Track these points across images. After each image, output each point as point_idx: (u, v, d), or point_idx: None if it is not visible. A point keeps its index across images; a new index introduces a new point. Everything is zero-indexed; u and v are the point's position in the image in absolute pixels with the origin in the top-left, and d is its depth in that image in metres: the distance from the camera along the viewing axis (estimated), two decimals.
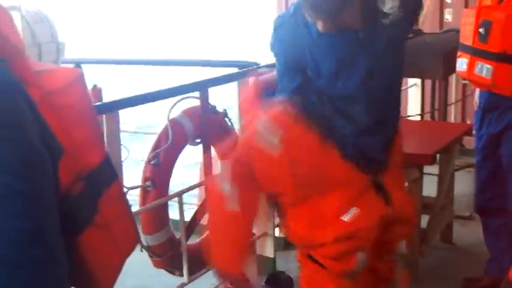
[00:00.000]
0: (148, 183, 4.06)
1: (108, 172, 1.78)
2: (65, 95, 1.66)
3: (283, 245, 4.88)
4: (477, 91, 4.44)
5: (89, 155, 1.70)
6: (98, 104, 3.67)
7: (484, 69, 3.96)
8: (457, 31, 4.61)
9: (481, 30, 3.97)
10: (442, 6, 7.83)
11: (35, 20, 2.18)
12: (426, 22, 7.59)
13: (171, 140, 3.99)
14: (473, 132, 4.57)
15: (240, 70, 4.49)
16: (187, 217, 4.26)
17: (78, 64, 5.53)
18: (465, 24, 4.19)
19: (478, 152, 4.36)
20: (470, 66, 4.05)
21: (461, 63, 4.15)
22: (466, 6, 7.17)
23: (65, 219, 1.46)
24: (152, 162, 4.03)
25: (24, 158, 1.29)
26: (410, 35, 6.54)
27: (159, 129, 4.26)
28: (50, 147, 1.42)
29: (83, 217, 1.67)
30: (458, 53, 4.20)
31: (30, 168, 1.29)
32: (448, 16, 7.78)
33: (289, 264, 4.57)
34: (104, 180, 1.75)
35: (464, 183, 5.64)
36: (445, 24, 7.69)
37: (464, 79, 4.49)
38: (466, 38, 4.12)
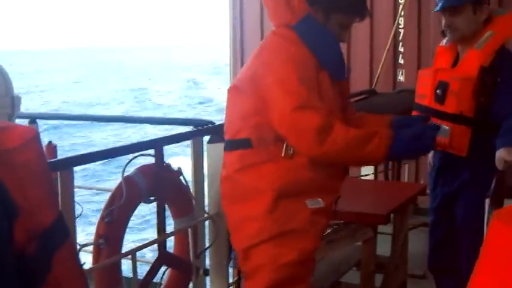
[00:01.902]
0: (101, 240, 4.01)
1: (61, 231, 1.77)
2: (21, 153, 1.66)
3: None
4: (430, 152, 4.51)
5: (43, 213, 1.69)
6: (52, 160, 3.65)
7: (442, 129, 4.03)
8: (410, 91, 4.69)
9: (438, 91, 4.05)
10: (395, 66, 7.97)
11: None
12: (379, 83, 7.73)
13: (125, 198, 3.96)
14: (428, 191, 4.62)
15: (195, 129, 4.50)
16: (141, 275, 4.21)
17: (33, 119, 5.52)
18: (422, 85, 4.27)
19: (432, 211, 4.42)
20: None
21: None
22: (419, 67, 7.31)
23: (20, 278, 1.45)
24: (106, 220, 3.99)
25: None
26: (364, 95, 6.68)
27: (113, 186, 4.23)
28: (6, 207, 1.41)
29: (37, 276, 1.65)
30: (413, 113, 4.27)
31: None
32: (400, 77, 7.92)
33: None
34: (57, 239, 1.74)
35: (418, 242, 5.67)
36: (398, 85, 7.82)
37: None
38: (423, 98, 4.20)
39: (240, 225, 3.34)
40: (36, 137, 1.74)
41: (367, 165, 2.94)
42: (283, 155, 3.16)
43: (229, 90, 3.38)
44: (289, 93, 3.07)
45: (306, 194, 3.22)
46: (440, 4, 4.11)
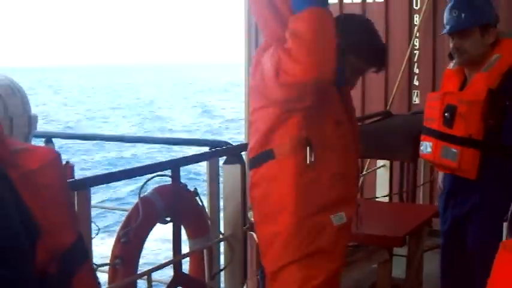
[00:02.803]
0: (117, 261, 4.03)
1: (81, 252, 1.80)
2: (43, 175, 1.69)
3: None
4: (441, 175, 4.51)
5: (64, 234, 1.71)
6: (69, 180, 3.67)
7: (450, 153, 4.04)
8: None
9: (446, 114, 4.05)
10: (410, 88, 7.97)
11: (7, 92, 2.20)
12: (394, 104, 7.73)
13: (141, 218, 3.98)
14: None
15: (211, 149, 4.53)
16: None
17: (49, 138, 5.56)
18: (430, 108, 4.27)
19: (443, 235, 4.40)
20: (436, 149, 4.13)
21: (426, 147, 4.22)
22: (434, 88, 7.32)
23: None
24: (122, 240, 4.01)
25: (5, 245, 1.30)
26: (379, 117, 6.68)
27: (130, 205, 4.26)
28: (28, 228, 1.44)
29: None
30: (422, 137, 4.27)
31: (12, 254, 1.30)
32: (415, 98, 7.92)
33: None
34: (77, 259, 1.77)
35: (433, 264, 5.64)
36: (413, 106, 7.82)
37: (428, 162, 4.56)
38: (431, 121, 4.20)
39: (268, 246, 3.29)
40: (58, 158, 1.77)
41: None
42: (305, 161, 3.11)
43: (251, 112, 3.33)
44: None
45: (330, 207, 3.17)
46: (448, 27, 4.12)
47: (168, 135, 37.36)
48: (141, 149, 29.50)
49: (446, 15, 4.15)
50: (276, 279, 3.27)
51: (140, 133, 39.55)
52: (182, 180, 4.27)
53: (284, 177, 3.16)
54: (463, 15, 4.05)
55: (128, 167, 4.16)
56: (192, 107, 60.50)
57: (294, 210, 3.14)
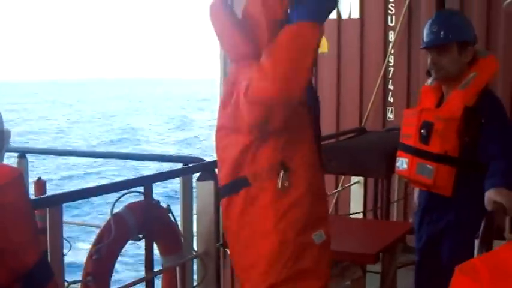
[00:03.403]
0: (89, 278, 4.00)
1: (45, 271, 1.77)
2: (4, 193, 1.66)
3: None
4: (416, 191, 4.52)
5: (26, 254, 1.69)
6: (41, 197, 3.65)
7: (426, 169, 4.05)
8: (399, 129, 4.71)
9: (422, 131, 4.07)
10: (384, 104, 8.00)
11: None
12: (369, 120, 7.76)
13: (114, 235, 3.96)
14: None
15: (185, 166, 4.51)
16: None
17: (23, 153, 5.52)
18: (406, 125, 4.29)
19: (418, 252, 4.41)
20: (411, 166, 4.15)
21: (402, 163, 4.23)
22: (408, 105, 7.35)
23: None
24: (94, 257, 3.98)
25: None
26: (353, 134, 6.70)
27: (102, 222, 4.24)
28: None
29: None
30: (398, 153, 4.29)
31: None
32: (390, 115, 7.95)
33: None
34: (41, 279, 1.74)
35: (407, 281, 5.63)
36: (388, 123, 7.85)
37: (404, 178, 4.57)
38: (407, 138, 4.21)
39: (250, 269, 3.22)
40: (20, 177, 1.74)
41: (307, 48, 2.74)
42: (279, 186, 3.06)
43: (217, 132, 3.28)
44: None
45: (310, 227, 3.13)
46: (425, 41, 4.16)
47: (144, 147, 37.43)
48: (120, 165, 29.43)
49: (426, 31, 4.19)
50: None
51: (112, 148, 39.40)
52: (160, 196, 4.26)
53: (262, 204, 3.11)
54: (442, 31, 4.09)
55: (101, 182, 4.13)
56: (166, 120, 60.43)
57: (275, 234, 3.09)
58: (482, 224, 3.39)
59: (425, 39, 4.19)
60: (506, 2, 3.26)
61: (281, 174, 3.07)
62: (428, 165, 4.04)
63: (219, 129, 3.24)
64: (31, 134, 46.45)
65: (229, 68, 3.28)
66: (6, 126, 2.33)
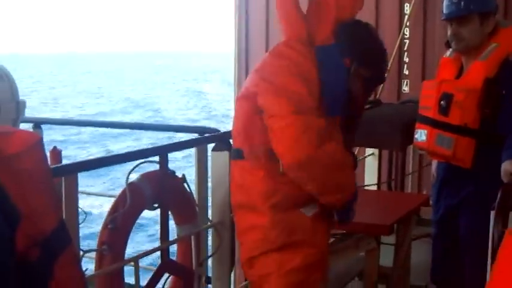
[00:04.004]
0: (104, 247, 4.01)
1: (63, 237, 1.77)
2: (23, 159, 1.66)
3: None
4: (434, 163, 4.50)
5: (45, 220, 1.69)
6: (56, 166, 3.65)
7: (445, 141, 4.02)
8: (415, 102, 4.68)
9: (442, 102, 4.04)
10: (399, 77, 7.97)
11: None
12: (384, 93, 7.73)
13: (129, 204, 3.96)
14: (431, 203, 4.61)
15: (200, 136, 4.51)
16: (143, 282, 4.21)
17: (37, 124, 5.53)
18: (425, 96, 4.26)
19: (435, 224, 4.40)
20: (430, 137, 4.12)
21: (420, 134, 4.21)
22: (423, 78, 7.32)
23: (22, 284, 1.45)
24: (109, 226, 3.99)
25: None
26: (369, 106, 6.68)
27: (117, 192, 4.24)
28: (7, 214, 1.41)
29: (39, 282, 1.66)
30: (417, 124, 4.26)
31: None
32: (405, 87, 7.91)
33: None
34: (59, 245, 1.74)
35: (421, 253, 5.65)
36: (403, 95, 7.82)
37: (422, 150, 4.56)
38: (426, 109, 4.18)
39: (245, 234, 3.38)
40: (39, 142, 1.74)
41: (330, 196, 3.02)
42: (281, 170, 3.15)
43: (236, 100, 3.38)
44: (290, 97, 3.04)
45: (302, 204, 3.23)
46: (447, 13, 4.11)
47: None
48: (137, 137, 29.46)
49: (446, 2, 4.13)
50: (252, 266, 3.36)
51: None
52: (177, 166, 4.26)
53: (256, 179, 3.24)
54: (463, 2, 4.03)
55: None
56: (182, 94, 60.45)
57: (268, 209, 3.21)
58: (498, 196, 3.39)
59: (445, 11, 4.13)
60: None
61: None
62: (448, 137, 4.02)
63: (241, 96, 3.33)
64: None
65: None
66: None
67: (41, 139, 1.77)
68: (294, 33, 3.23)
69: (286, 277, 3.24)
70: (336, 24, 3.19)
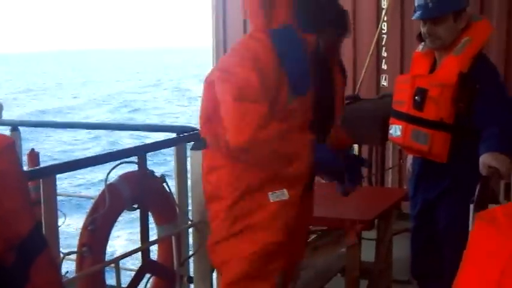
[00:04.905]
0: (84, 248, 3.99)
1: (38, 240, 1.76)
2: None
3: None
4: (409, 158, 4.51)
5: (19, 223, 1.67)
6: (34, 168, 3.64)
7: (421, 136, 4.03)
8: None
9: (416, 98, 4.04)
10: (378, 71, 7.98)
11: None
12: (363, 88, 7.74)
13: (108, 205, 3.94)
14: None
15: (178, 135, 4.49)
16: (125, 283, 4.20)
17: (15, 127, 5.49)
18: (399, 91, 4.26)
19: (413, 218, 4.41)
20: (405, 132, 4.12)
21: (395, 130, 4.21)
22: (402, 72, 7.32)
23: None
24: (89, 228, 3.97)
25: None
26: (348, 101, 6.69)
27: (96, 193, 4.23)
28: None
29: (16, 287, 1.64)
30: (391, 120, 4.26)
31: None
32: (384, 82, 7.92)
33: None
34: (35, 249, 1.73)
35: (402, 247, 5.65)
36: (382, 90, 7.82)
37: (397, 145, 4.55)
38: (400, 104, 4.18)
39: (210, 223, 3.49)
40: (11, 145, 1.73)
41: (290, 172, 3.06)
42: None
43: (204, 85, 3.41)
44: (234, 83, 3.15)
45: (269, 185, 3.26)
46: (419, 12, 4.08)
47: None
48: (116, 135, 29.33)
49: (418, 1, 4.10)
50: (214, 252, 3.47)
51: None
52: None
53: (218, 164, 3.34)
54: (436, 2, 4.02)
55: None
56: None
57: (230, 191, 3.30)
58: (477, 189, 3.40)
59: (418, 11, 4.11)
60: None
61: None
62: (423, 132, 4.02)
63: (207, 81, 3.39)
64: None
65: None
66: None
67: (14, 142, 1.76)
68: (258, 22, 3.29)
69: (243, 264, 3.31)
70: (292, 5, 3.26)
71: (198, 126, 4.59)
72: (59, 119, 35.92)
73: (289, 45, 3.21)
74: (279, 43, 3.18)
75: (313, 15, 3.29)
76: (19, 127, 5.56)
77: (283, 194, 3.24)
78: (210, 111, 3.30)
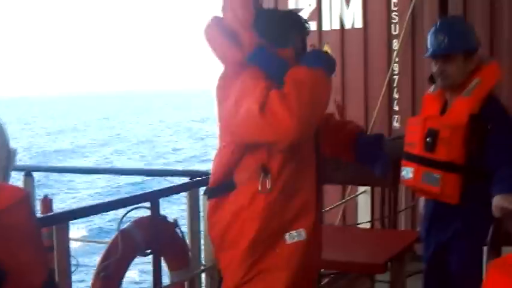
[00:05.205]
0: None
1: None
2: (10, 215, 1.66)
3: None
4: (421, 200, 4.50)
5: (33, 275, 1.68)
6: (47, 215, 3.65)
7: (432, 178, 4.02)
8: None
9: (428, 139, 4.04)
10: (390, 113, 7.98)
11: None
12: (375, 129, 7.74)
13: (121, 252, 3.95)
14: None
15: (191, 180, 4.51)
16: None
17: (29, 172, 5.52)
18: (410, 133, 4.26)
19: (425, 261, 4.39)
20: (417, 175, 4.11)
21: (407, 172, 4.20)
22: (414, 113, 7.32)
23: None
24: (102, 274, 3.98)
25: None
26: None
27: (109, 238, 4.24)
28: None
29: None
30: (403, 162, 4.26)
31: None
32: (396, 123, 7.93)
33: None
34: None
35: None
36: (394, 131, 7.82)
37: (409, 187, 4.54)
38: (412, 146, 4.18)
39: (225, 269, 3.39)
40: (26, 197, 1.74)
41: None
42: (259, 189, 3.18)
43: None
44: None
45: (285, 226, 3.23)
46: (431, 50, 4.14)
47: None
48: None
49: (430, 39, 4.16)
50: None
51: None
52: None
53: (242, 205, 3.24)
54: (447, 40, 4.07)
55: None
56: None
57: (252, 234, 3.22)
58: (491, 231, 3.38)
59: (430, 48, 4.16)
60: None
61: (261, 176, 3.19)
62: (435, 174, 4.02)
63: (219, 136, 3.42)
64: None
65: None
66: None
67: (28, 194, 1.77)
68: (231, 54, 3.27)
69: None
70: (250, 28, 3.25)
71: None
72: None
73: (270, 62, 3.24)
74: (260, 64, 3.20)
75: (277, 29, 3.33)
76: (32, 172, 5.59)
77: (300, 235, 3.23)
78: (236, 158, 3.26)
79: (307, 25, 3.50)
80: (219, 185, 3.33)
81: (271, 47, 3.25)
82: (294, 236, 3.24)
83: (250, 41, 3.22)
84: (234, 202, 3.27)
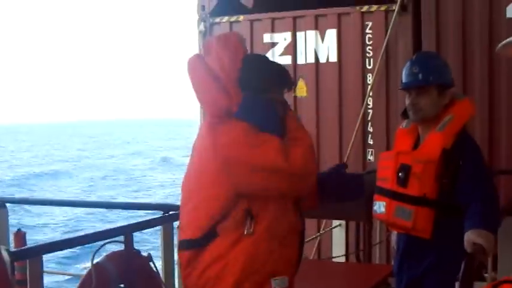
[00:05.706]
0: None
1: None
2: None
3: None
4: (394, 235, 4.51)
5: None
6: (21, 249, 3.63)
7: (404, 212, 4.04)
8: None
9: (400, 174, 4.07)
10: (364, 147, 8.03)
11: None
12: (349, 162, 7.77)
13: (94, 286, 3.92)
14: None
15: (165, 214, 4.50)
16: None
17: (2, 203, 5.49)
18: (383, 168, 4.28)
19: None
20: (389, 209, 4.13)
21: (379, 206, 4.22)
22: (388, 147, 7.37)
23: None
24: None
25: None
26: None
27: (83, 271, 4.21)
28: None
29: None
30: (375, 196, 4.27)
31: None
32: (370, 157, 7.97)
33: None
34: None
35: None
36: (368, 165, 7.86)
37: (381, 221, 4.56)
38: (384, 181, 4.20)
39: None
40: None
41: None
42: (245, 232, 3.22)
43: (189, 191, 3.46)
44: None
45: (270, 271, 3.24)
46: (405, 82, 4.17)
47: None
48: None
49: (405, 72, 4.19)
50: None
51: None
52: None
53: (226, 251, 3.25)
54: (422, 73, 4.10)
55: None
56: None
57: (235, 277, 3.24)
58: (463, 266, 3.40)
59: (404, 80, 4.19)
60: (499, 45, 3.30)
61: (247, 221, 3.24)
62: (407, 208, 4.04)
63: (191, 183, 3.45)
64: None
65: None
66: None
67: None
68: (218, 108, 3.33)
69: None
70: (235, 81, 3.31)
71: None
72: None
73: (260, 111, 3.33)
74: (247, 117, 3.27)
75: (263, 79, 3.39)
76: (6, 204, 5.56)
77: (283, 282, 3.22)
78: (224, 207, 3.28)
79: (292, 84, 3.58)
80: (200, 236, 3.32)
81: (255, 98, 3.32)
82: (280, 282, 3.22)
83: (235, 91, 3.29)
84: (217, 247, 3.27)
